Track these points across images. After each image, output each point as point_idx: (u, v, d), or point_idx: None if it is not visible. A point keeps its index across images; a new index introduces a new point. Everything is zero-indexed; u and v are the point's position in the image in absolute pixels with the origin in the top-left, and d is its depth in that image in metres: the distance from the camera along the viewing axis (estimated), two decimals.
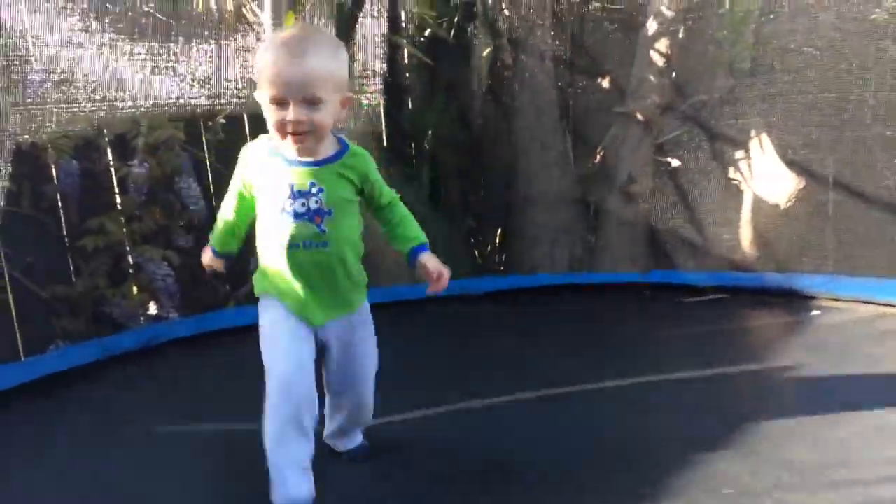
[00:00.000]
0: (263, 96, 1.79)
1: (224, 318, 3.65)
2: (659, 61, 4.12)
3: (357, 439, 2.31)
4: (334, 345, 2.04)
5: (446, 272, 1.99)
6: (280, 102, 1.77)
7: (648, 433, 2.43)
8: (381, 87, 4.15)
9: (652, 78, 4.14)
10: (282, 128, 1.80)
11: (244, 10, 3.82)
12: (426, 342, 3.49)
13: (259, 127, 3.75)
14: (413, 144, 4.39)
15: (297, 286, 1.94)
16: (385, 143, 4.30)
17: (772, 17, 3.98)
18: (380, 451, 2.32)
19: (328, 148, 1.91)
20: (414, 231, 2.06)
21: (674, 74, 4.17)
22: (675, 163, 4.18)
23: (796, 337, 3.29)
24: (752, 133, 4.00)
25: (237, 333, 3.48)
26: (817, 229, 3.81)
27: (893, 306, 3.47)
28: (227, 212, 2.07)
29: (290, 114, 1.77)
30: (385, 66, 4.12)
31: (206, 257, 2.18)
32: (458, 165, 4.41)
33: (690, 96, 4.15)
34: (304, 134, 1.81)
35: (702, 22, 4.10)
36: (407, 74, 4.39)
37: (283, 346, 1.92)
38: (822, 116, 3.77)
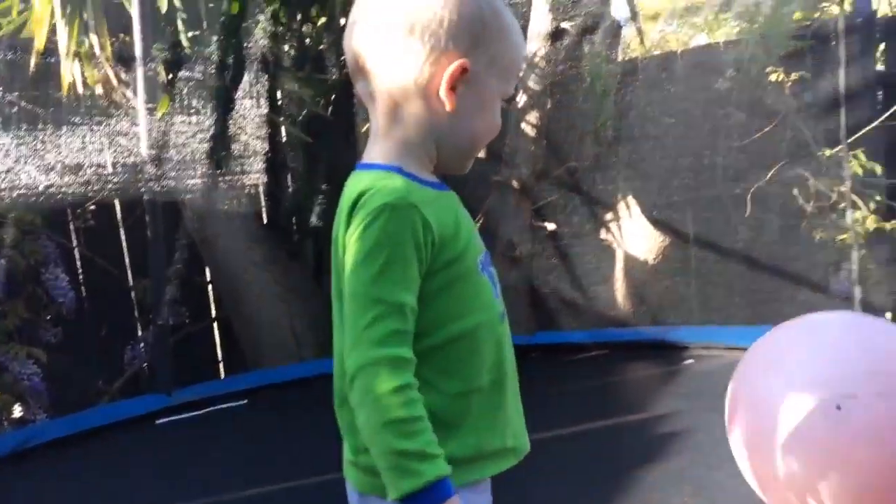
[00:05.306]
0: (495, 87, 1.06)
1: (99, 416, 3.45)
2: (531, 132, 4.34)
3: None
4: None
5: None
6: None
7: (539, 493, 2.46)
8: (263, 166, 4.15)
9: (525, 147, 4.35)
10: (493, 134, 1.10)
11: (115, 94, 3.77)
12: (316, 420, 3.42)
13: (131, 212, 3.64)
14: (295, 222, 4.39)
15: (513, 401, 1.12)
16: (266, 222, 4.29)
17: (631, 89, 4.30)
18: None
19: None
20: None
21: (545, 143, 4.39)
22: (551, 227, 4.37)
23: (674, 386, 3.45)
24: (620, 196, 4.26)
25: (114, 430, 3.30)
26: (684, 283, 4.07)
27: None
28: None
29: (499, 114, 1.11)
30: (266, 145, 4.13)
31: None
32: None
33: (562, 164, 4.39)
34: None
35: (568, 96, 4.37)
36: (288, 153, 4.42)
37: None
38: (680, 179, 4.08)
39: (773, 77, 3.75)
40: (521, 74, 1.02)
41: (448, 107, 1.02)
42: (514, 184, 4.34)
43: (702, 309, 4.00)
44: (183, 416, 3.46)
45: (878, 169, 3.57)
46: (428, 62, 1.00)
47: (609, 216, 4.30)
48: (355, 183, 1.03)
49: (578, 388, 3.52)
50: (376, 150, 1.06)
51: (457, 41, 1.00)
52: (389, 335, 0.95)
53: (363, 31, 1.04)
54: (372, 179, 1.01)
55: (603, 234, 4.32)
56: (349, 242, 0.98)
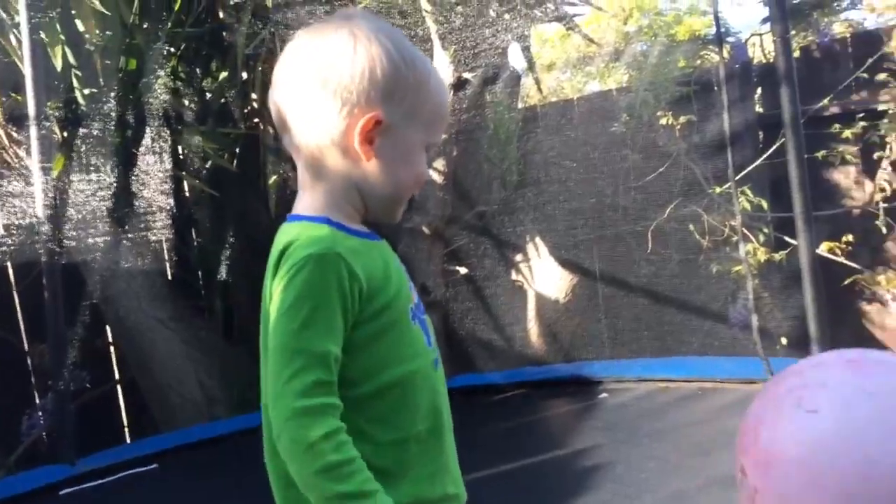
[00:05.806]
0: (415, 137, 1.07)
1: None
2: (439, 178, 4.41)
3: None
4: None
5: None
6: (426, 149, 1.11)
7: None
8: (168, 222, 4.05)
9: (434, 194, 4.42)
10: (419, 183, 1.11)
11: (6, 154, 3.62)
12: (232, 480, 3.31)
13: (26, 275, 3.49)
14: (202, 277, 4.30)
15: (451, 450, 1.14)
16: (171, 278, 4.18)
17: (533, 135, 4.45)
18: None
19: None
20: None
21: (453, 189, 4.48)
22: (463, 270, 4.44)
23: (590, 421, 3.52)
24: (528, 238, 4.38)
25: None
26: (594, 319, 4.19)
27: (667, 381, 3.85)
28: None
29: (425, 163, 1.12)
30: (171, 201, 4.04)
31: None
32: (253, 294, 4.34)
33: (471, 208, 4.48)
34: None
35: (473, 143, 4.49)
36: (193, 208, 4.34)
37: None
38: (584, 219, 4.23)
39: (663, 121, 3.97)
40: (446, 122, 1.11)
41: (365, 159, 1.03)
42: (426, 229, 4.39)
43: (612, 343, 4.13)
44: (88, 485, 3.27)
45: (765, 204, 3.81)
46: (342, 115, 1.01)
47: (519, 258, 4.41)
48: (283, 234, 1.04)
49: (498, 430, 3.55)
50: (304, 202, 1.07)
51: (370, 94, 1.01)
52: (313, 386, 0.94)
53: (283, 88, 1.06)
54: (299, 230, 1.02)
55: (514, 276, 4.42)
56: (275, 293, 0.99)
